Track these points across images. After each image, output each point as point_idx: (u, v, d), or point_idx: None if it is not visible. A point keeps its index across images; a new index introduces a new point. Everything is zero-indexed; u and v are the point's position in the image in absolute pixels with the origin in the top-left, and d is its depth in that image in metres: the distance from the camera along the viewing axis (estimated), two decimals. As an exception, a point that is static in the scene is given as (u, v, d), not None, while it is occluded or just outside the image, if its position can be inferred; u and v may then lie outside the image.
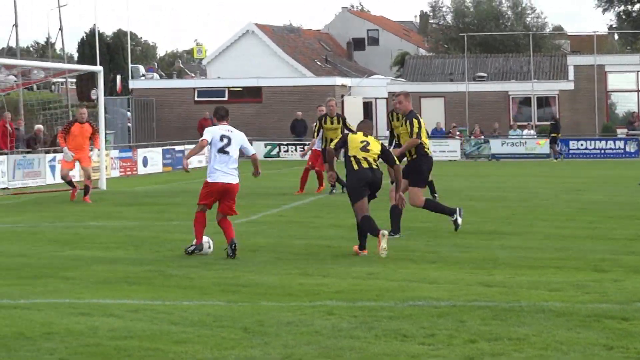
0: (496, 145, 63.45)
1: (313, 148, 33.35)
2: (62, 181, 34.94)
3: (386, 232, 19.27)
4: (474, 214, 26.65)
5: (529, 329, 12.72)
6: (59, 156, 37.68)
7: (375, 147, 19.85)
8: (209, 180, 19.66)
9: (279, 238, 22.74)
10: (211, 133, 19.88)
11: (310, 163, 33.52)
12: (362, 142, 19.75)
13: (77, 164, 34.34)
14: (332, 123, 26.86)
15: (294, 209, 30.03)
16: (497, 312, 13.94)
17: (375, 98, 68.62)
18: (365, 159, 19.61)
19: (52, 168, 41.97)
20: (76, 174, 37.08)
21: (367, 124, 21.10)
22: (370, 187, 19.74)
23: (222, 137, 19.69)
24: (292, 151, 63.30)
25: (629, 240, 22.01)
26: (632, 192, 33.31)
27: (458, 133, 64.04)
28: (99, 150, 36.59)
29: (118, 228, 25.75)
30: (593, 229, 24.26)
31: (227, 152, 19.54)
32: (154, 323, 13.51)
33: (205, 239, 19.41)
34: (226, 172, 19.47)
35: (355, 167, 19.64)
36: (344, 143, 20.11)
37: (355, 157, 19.63)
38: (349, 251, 20.41)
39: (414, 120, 21.89)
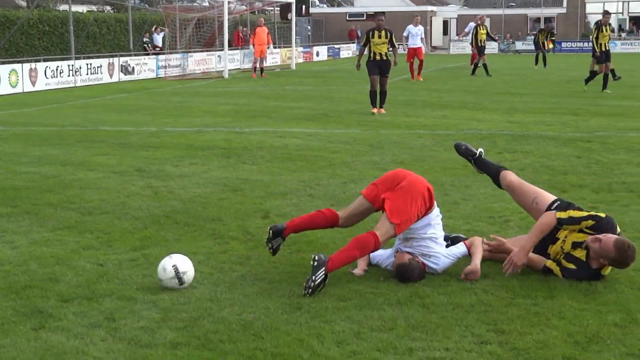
0: (519, 45, 70.84)
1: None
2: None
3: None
4: (505, 82, 30.68)
5: (533, 147, 14.37)
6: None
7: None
8: None
9: (392, 96, 23.38)
10: None
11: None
12: None
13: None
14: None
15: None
16: (515, 137, 15.69)
17: (450, 18, 79.41)
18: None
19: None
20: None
21: None
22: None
23: None
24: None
25: (595, 98, 23.94)
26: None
27: (497, 37, 65.17)
28: (272, 45, 41.91)
29: (301, 90, 28.81)
30: (573, 90, 26.60)
31: None
32: (320, 142, 15.39)
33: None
34: None
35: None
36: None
37: None
38: (435, 102, 22.89)
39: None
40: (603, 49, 26.18)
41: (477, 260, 6.93)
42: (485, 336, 5.60)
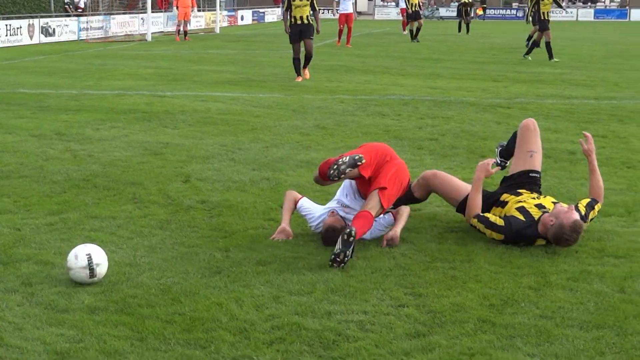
0: (443, 12, 71.68)
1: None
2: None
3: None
4: (428, 48, 31.21)
5: (454, 113, 14.58)
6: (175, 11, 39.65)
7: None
8: None
9: (315, 61, 22.26)
10: None
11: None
12: None
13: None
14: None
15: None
16: (436, 103, 15.90)
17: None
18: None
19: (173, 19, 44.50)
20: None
21: None
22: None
23: None
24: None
25: (515, 65, 24.48)
26: (521, 40, 33.69)
27: (422, 3, 66.52)
28: (196, 8, 41.36)
29: (225, 54, 28.65)
30: (494, 57, 27.21)
31: None
32: (243, 106, 15.40)
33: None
34: None
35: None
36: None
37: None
38: (358, 68, 22.92)
39: None
40: (544, 18, 26.28)
41: (398, 228, 7.00)
42: (403, 299, 5.65)
